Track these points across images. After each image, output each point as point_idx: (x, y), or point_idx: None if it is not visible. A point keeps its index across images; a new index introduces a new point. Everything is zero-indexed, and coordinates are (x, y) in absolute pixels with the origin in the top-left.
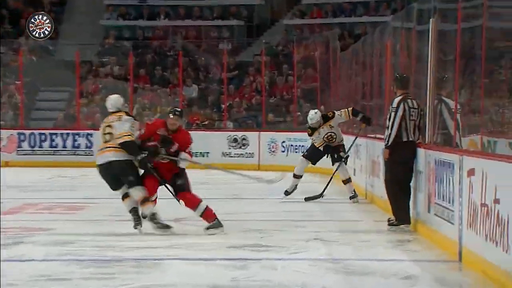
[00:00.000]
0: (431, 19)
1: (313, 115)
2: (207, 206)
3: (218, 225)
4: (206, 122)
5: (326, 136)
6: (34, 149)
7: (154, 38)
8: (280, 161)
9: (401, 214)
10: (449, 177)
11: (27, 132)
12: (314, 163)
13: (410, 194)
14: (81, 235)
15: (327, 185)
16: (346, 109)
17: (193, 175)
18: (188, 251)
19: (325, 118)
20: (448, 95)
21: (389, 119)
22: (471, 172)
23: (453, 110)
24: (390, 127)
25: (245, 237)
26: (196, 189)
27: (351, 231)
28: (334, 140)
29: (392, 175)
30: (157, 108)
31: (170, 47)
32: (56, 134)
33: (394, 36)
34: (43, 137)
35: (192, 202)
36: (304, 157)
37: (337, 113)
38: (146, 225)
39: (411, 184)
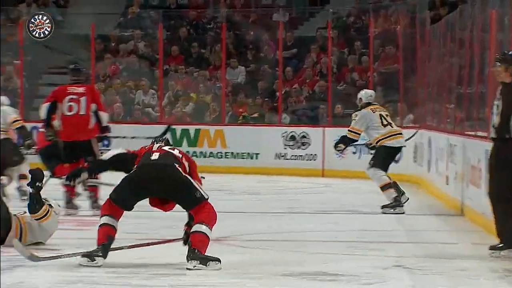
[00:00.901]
0: None
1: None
2: (107, 225)
3: (97, 254)
4: (256, 115)
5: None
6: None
7: (191, 7)
8: (351, 165)
9: (509, 235)
10: None
11: (28, 125)
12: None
13: None
14: None
15: None
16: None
17: (240, 184)
18: (232, 279)
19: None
20: None
21: (498, 106)
22: None
23: None
24: (499, 117)
25: (304, 263)
26: (243, 200)
27: (443, 256)
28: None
29: (499, 185)
30: (193, 96)
31: (211, 19)
32: None
33: (501, 4)
34: None
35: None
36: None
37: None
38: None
39: None
